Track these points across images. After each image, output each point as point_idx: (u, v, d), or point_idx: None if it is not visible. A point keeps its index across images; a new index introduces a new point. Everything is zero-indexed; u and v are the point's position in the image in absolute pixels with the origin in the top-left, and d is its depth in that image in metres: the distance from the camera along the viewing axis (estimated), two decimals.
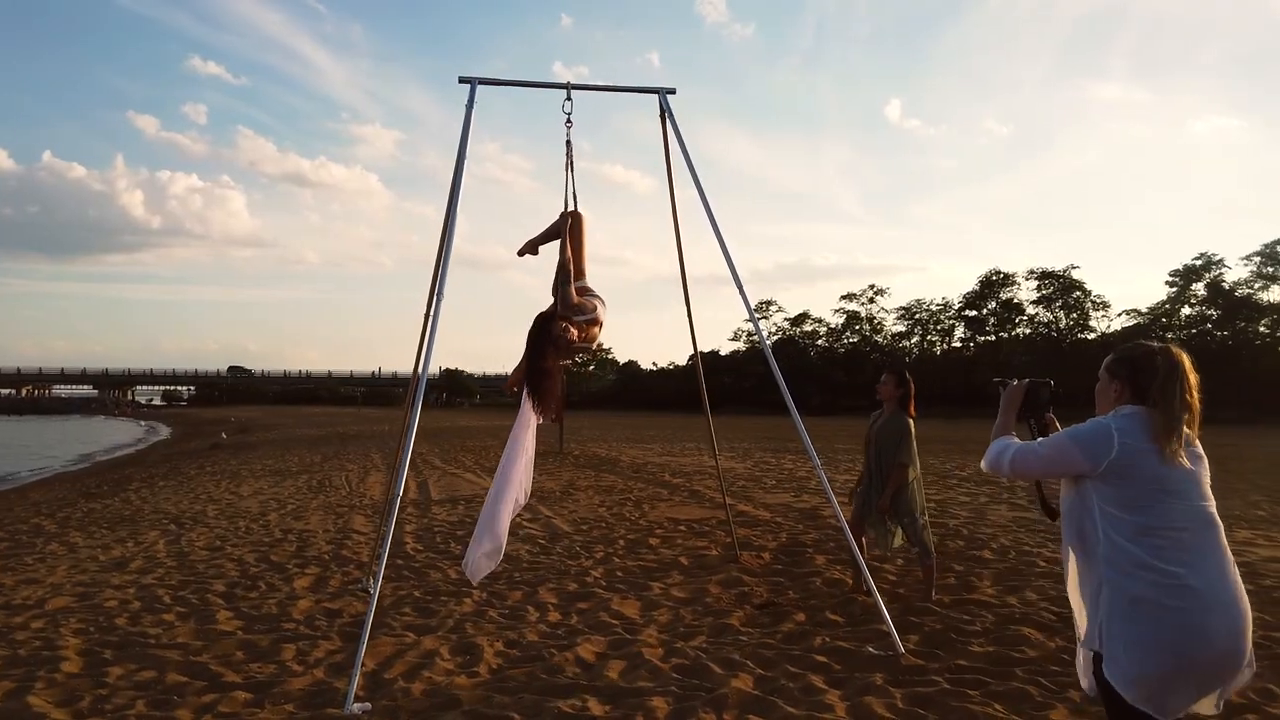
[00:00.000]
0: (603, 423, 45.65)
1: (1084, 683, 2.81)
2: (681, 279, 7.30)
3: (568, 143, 6.22)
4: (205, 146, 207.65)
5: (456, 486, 14.82)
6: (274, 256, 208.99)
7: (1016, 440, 2.90)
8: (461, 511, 11.77)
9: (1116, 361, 2.80)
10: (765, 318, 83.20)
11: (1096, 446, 2.61)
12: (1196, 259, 62.12)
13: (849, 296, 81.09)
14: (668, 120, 6.49)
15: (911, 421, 6.51)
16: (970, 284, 74.82)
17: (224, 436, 33.21)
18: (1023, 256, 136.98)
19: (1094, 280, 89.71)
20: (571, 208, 5.83)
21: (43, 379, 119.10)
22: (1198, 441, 2.69)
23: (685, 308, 7.64)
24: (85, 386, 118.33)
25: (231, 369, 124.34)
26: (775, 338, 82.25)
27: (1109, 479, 2.59)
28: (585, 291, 5.25)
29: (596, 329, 5.08)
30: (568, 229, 5.52)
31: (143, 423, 69.03)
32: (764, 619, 6.13)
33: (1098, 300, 68.55)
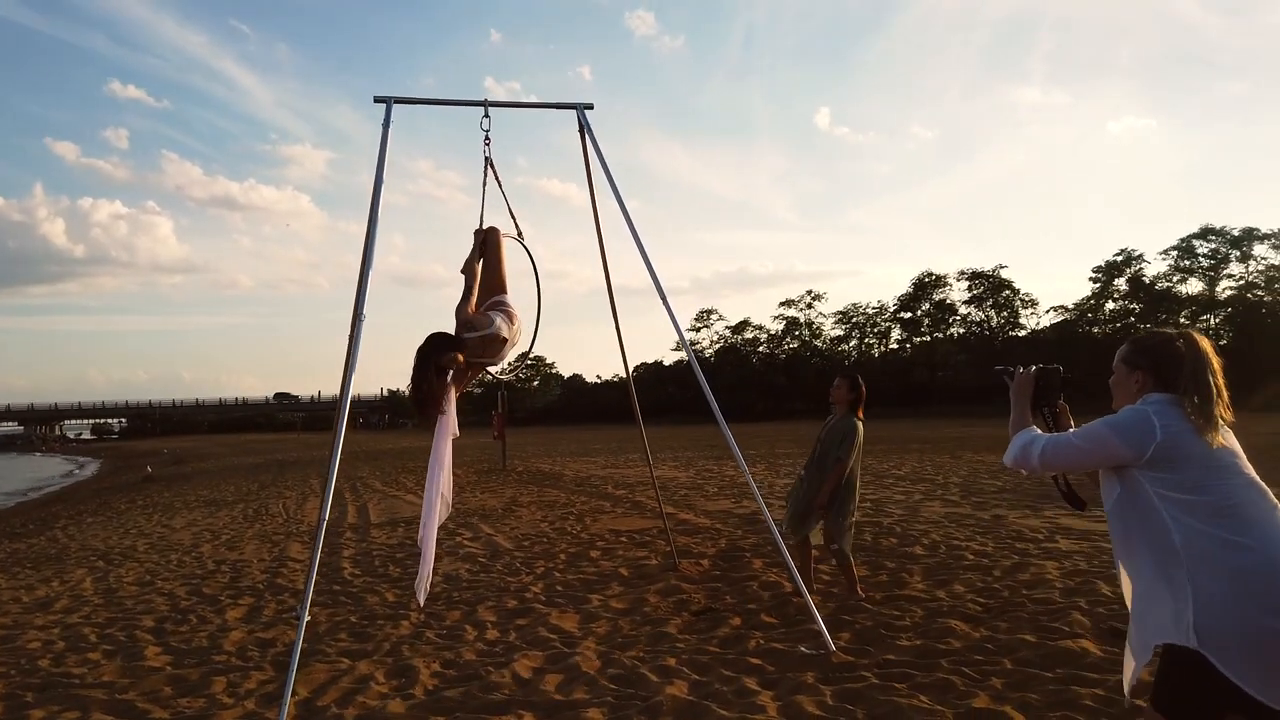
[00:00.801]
0: (548, 437, 45.45)
1: (1129, 684, 2.64)
2: (608, 291, 7.35)
3: (486, 159, 6.26)
4: (128, 172, 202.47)
5: (396, 509, 14.65)
6: (206, 282, 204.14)
7: (1040, 432, 2.81)
8: (400, 534, 11.65)
9: (1135, 352, 2.71)
10: (707, 326, 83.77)
11: (1138, 434, 2.52)
12: (1118, 255, 64.28)
13: (788, 303, 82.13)
14: (587, 135, 6.54)
15: (860, 424, 6.63)
16: (905, 287, 76.17)
17: (149, 470, 32.29)
18: (956, 258, 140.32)
19: (1022, 279, 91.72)
20: (489, 224, 5.85)
21: None
22: (1228, 414, 2.63)
23: (613, 321, 7.69)
24: (10, 423, 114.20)
25: (278, 395, 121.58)
26: (717, 346, 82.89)
27: (1159, 465, 2.49)
28: (498, 305, 5.26)
29: (498, 344, 5.09)
30: (477, 244, 5.56)
31: (72, 458, 66.90)
32: (701, 625, 6.19)
33: (1026, 298, 70.42)
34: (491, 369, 5.62)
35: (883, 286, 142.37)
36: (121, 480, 32.89)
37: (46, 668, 6.04)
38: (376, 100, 6.16)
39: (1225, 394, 2.60)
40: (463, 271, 5.83)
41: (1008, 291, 70.63)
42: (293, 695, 5.08)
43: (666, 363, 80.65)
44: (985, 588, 6.63)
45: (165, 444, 69.43)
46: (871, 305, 79.50)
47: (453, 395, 5.87)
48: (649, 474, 16.96)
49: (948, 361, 71.09)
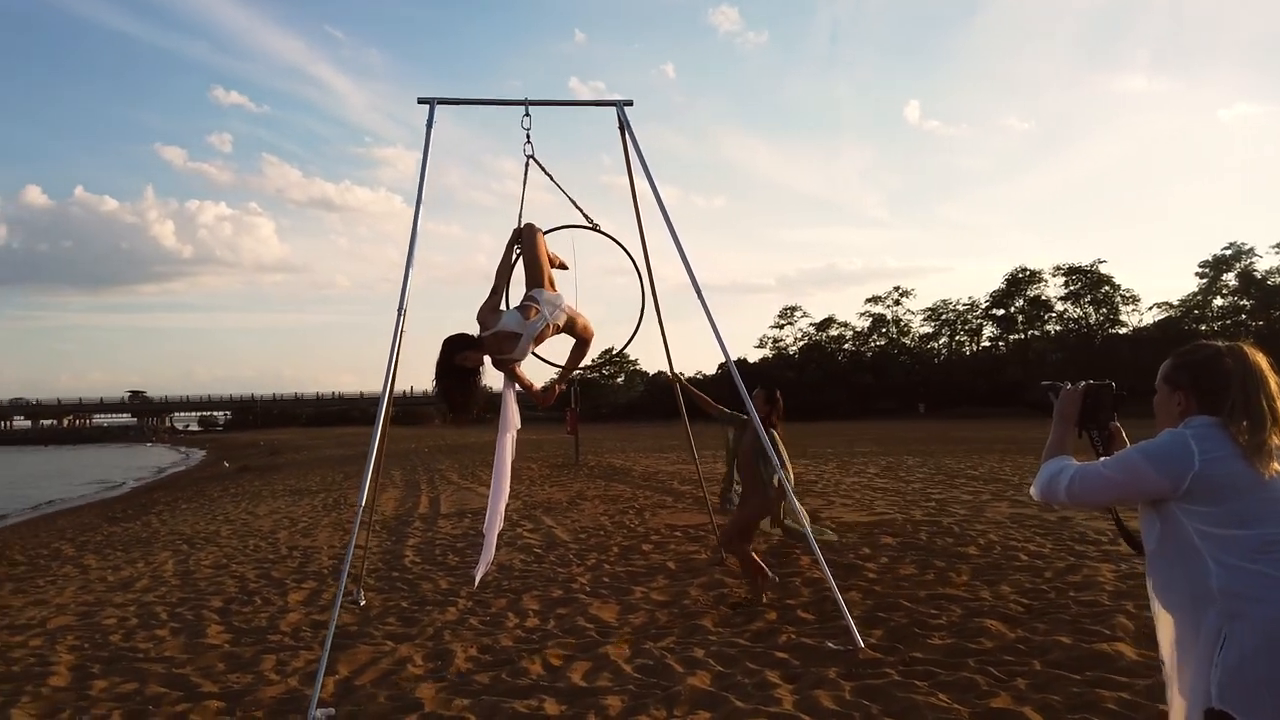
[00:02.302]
0: (626, 433, 45.69)
1: None
2: (649, 288, 7.34)
3: (529, 158, 6.39)
4: (232, 175, 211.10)
5: (466, 500, 14.99)
6: (305, 281, 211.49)
7: (1073, 461, 2.44)
8: (466, 525, 11.94)
9: (1176, 368, 2.39)
10: (790, 323, 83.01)
11: (1174, 462, 2.21)
12: (1226, 249, 61.44)
13: (874, 299, 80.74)
14: (627, 132, 6.61)
15: (776, 434, 6.59)
16: (999, 283, 74.09)
17: (225, 464, 33.70)
18: (1052, 253, 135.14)
19: (1123, 274, 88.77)
20: (529, 222, 5.98)
21: (82, 409, 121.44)
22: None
23: (656, 316, 7.72)
24: (124, 415, 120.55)
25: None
26: (801, 343, 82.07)
27: (1198, 498, 2.20)
28: (524, 300, 5.41)
29: (512, 340, 5.21)
30: (510, 244, 5.70)
31: (179, 448, 70.22)
32: (737, 619, 6.20)
33: (1127, 294, 67.83)
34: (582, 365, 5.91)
35: (977, 283, 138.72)
36: (219, 470, 34.38)
37: (117, 643, 6.41)
38: (420, 101, 6.37)
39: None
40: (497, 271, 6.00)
41: (1107, 287, 68.15)
42: (334, 675, 5.33)
43: (751, 359, 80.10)
44: (1032, 589, 6.47)
45: (264, 436, 72.24)
46: (962, 302, 77.61)
47: (511, 393, 6.08)
48: (713, 470, 16.95)
49: (1044, 360, 68.74)
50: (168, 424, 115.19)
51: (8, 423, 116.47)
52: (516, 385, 5.95)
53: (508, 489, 6.29)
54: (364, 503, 5.53)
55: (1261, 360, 2.30)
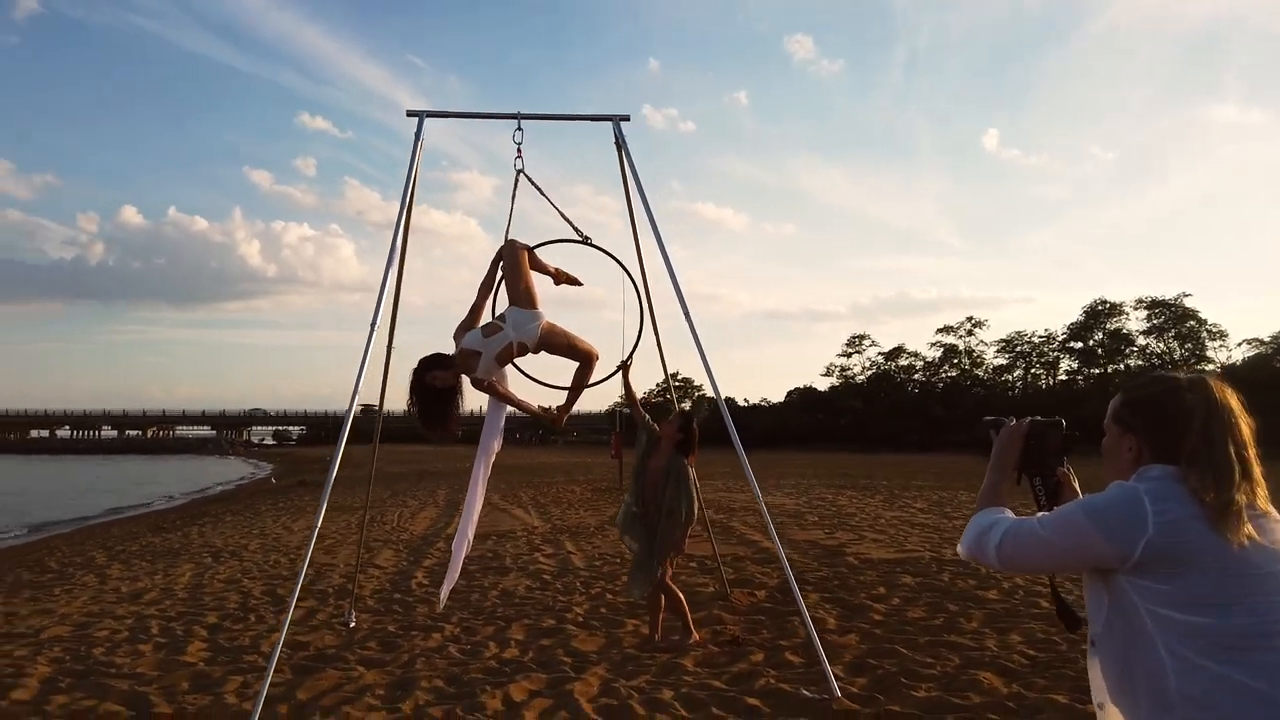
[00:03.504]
0: None
1: None
2: (650, 311, 7.07)
3: (518, 173, 6.23)
4: (315, 198, 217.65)
5: (498, 522, 14.85)
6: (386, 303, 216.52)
7: (1007, 514, 2.00)
8: (487, 547, 11.78)
9: (1126, 405, 1.96)
10: (859, 351, 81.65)
11: (1123, 524, 1.77)
12: None
13: (946, 329, 78.98)
14: (622, 149, 6.40)
15: (691, 470, 6.37)
16: (1078, 315, 71.87)
17: (273, 480, 34.38)
18: (1135, 285, 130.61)
19: (1210, 309, 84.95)
20: (514, 240, 5.82)
21: (166, 421, 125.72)
22: (1264, 503, 1.83)
23: (654, 331, 7.45)
24: (204, 427, 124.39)
25: None
26: (869, 372, 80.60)
27: (1151, 571, 1.75)
28: (496, 318, 5.33)
29: (475, 358, 5.12)
30: (493, 264, 5.58)
31: (250, 462, 72.00)
32: (721, 658, 5.88)
33: (1214, 329, 65.07)
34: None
35: (1059, 314, 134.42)
36: (280, 484, 35.02)
37: (97, 656, 6.37)
38: (410, 114, 6.25)
39: (1257, 468, 1.83)
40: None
41: (1192, 322, 65.47)
42: (290, 700, 5.18)
43: (820, 388, 79.00)
44: (1044, 639, 5.99)
45: (331, 451, 73.76)
46: (1038, 334, 75.41)
47: (496, 416, 5.97)
48: (751, 500, 16.58)
49: None
50: (244, 438, 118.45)
51: (95, 432, 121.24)
52: (508, 407, 5.81)
53: (479, 512, 6.27)
54: (317, 527, 5.35)
55: (1230, 398, 1.87)
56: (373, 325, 5.68)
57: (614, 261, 6.46)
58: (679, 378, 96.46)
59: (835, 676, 5.02)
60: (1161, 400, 1.89)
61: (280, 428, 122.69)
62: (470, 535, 6.14)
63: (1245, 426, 1.84)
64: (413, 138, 6.13)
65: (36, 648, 6.65)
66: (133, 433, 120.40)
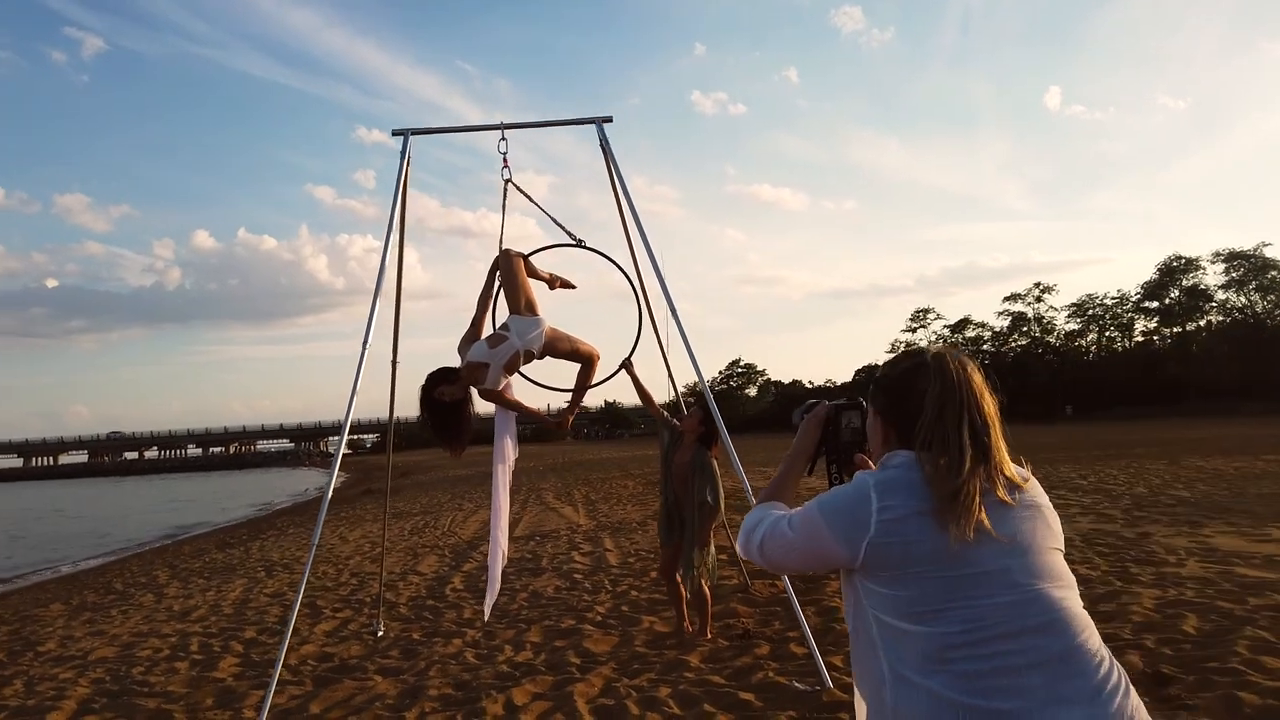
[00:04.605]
0: (744, 447, 45.11)
1: None
2: (648, 307, 7.09)
3: (506, 181, 6.30)
4: (377, 209, 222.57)
5: (545, 522, 15.03)
6: (447, 308, 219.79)
7: (777, 510, 1.86)
8: (530, 548, 11.92)
9: (875, 386, 1.85)
10: (923, 326, 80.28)
11: (850, 522, 1.65)
12: None
13: (1013, 297, 77.08)
14: (607, 150, 6.41)
15: (714, 461, 6.34)
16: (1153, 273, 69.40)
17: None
18: (1214, 238, 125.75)
19: None
20: (511, 249, 5.89)
21: (246, 436, 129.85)
22: (1030, 484, 1.71)
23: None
24: (283, 440, 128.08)
25: None
26: (935, 346, 79.02)
27: (875, 573, 1.63)
28: (499, 328, 5.38)
29: (482, 370, 5.16)
30: (490, 273, 5.66)
31: (325, 471, 73.92)
32: (727, 653, 5.89)
33: None
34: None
35: (1135, 274, 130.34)
36: (349, 493, 35.91)
37: (135, 675, 6.65)
38: (395, 133, 6.35)
39: (999, 452, 1.68)
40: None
41: (1274, 273, 62.72)
42: (305, 712, 5.35)
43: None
44: None
45: (403, 458, 75.21)
46: (1110, 295, 73.09)
47: (507, 426, 6.07)
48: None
49: (1211, 354, 63.60)
50: (320, 448, 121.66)
51: (182, 451, 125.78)
52: (515, 415, 5.91)
53: (506, 522, 6.32)
54: (316, 541, 5.47)
55: (973, 374, 1.72)
56: (364, 344, 5.80)
57: (610, 262, 6.53)
58: (741, 364, 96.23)
59: (840, 667, 5.00)
60: (900, 380, 1.77)
61: (355, 436, 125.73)
62: (503, 545, 6.21)
63: (988, 405, 1.70)
64: (397, 159, 6.23)
65: (82, 669, 6.97)
66: (216, 449, 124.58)
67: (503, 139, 6.34)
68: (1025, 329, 76.80)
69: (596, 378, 5.96)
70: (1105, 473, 16.70)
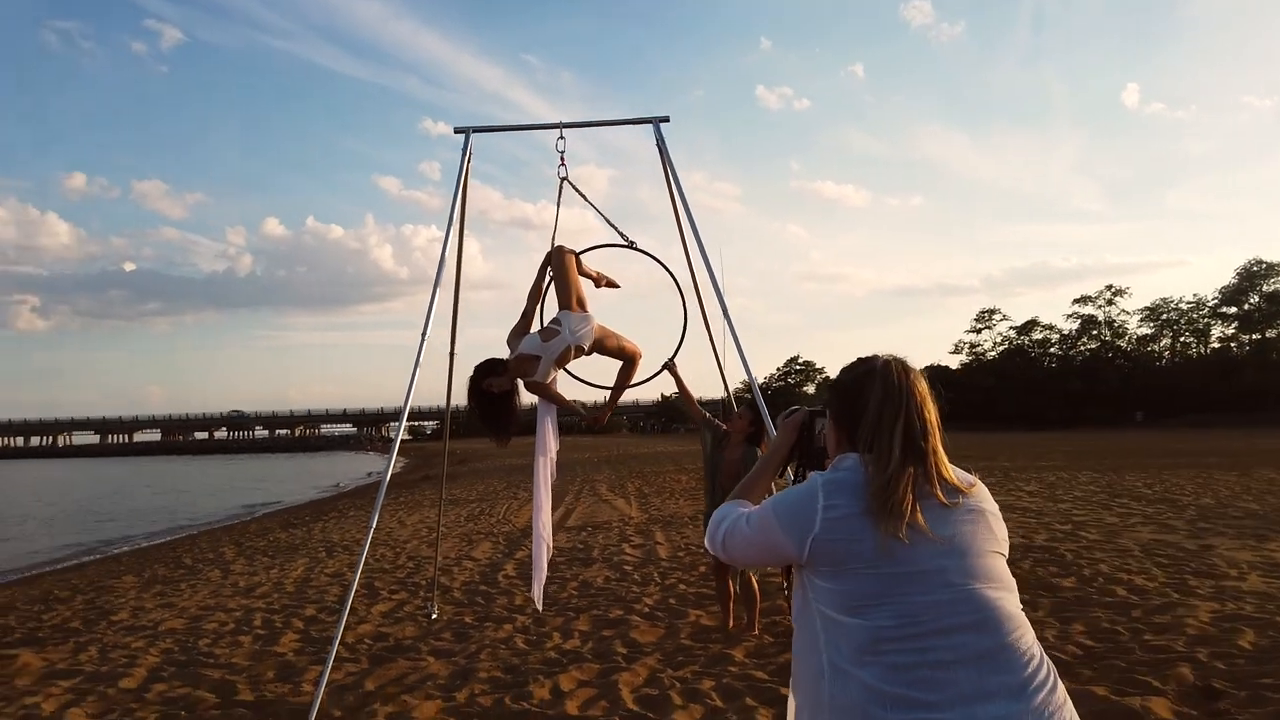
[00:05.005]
0: None
1: None
2: (701, 310, 7.14)
3: (563, 180, 6.41)
4: (441, 200, 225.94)
5: (598, 513, 15.19)
6: (509, 298, 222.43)
7: (746, 507, 1.97)
8: (581, 538, 12.09)
9: (830, 390, 1.98)
10: (989, 327, 78.84)
11: (798, 520, 1.76)
12: None
13: (1083, 300, 75.23)
14: (663, 149, 6.48)
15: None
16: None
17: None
18: None
19: None
20: (561, 246, 6.00)
21: (311, 420, 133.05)
22: (975, 489, 1.82)
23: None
24: (346, 425, 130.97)
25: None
26: (1001, 348, 77.58)
27: (819, 567, 1.74)
28: (550, 322, 5.46)
29: (532, 362, 5.26)
30: (541, 269, 5.77)
31: (385, 456, 75.44)
32: (772, 649, 5.94)
33: None
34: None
35: (1215, 277, 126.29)
36: (410, 478, 36.58)
37: (202, 647, 6.94)
38: (457, 131, 6.50)
39: (937, 455, 1.78)
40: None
41: None
42: (360, 689, 5.54)
43: (953, 366, 76.50)
44: (1108, 629, 5.79)
45: (462, 445, 76.32)
46: (1186, 300, 70.93)
47: (548, 418, 6.19)
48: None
49: None
50: (381, 433, 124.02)
51: (250, 432, 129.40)
52: (556, 408, 6.03)
53: (548, 513, 6.41)
54: (373, 524, 5.64)
55: (917, 380, 1.84)
56: (423, 334, 5.97)
57: (659, 265, 6.59)
58: (799, 361, 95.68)
59: None
60: (851, 385, 1.87)
61: (415, 423, 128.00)
62: (546, 536, 6.26)
63: (930, 412, 1.80)
64: (459, 155, 6.38)
65: (152, 639, 7.29)
66: (282, 432, 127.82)
67: (561, 137, 6.44)
68: (1095, 332, 74.97)
69: (637, 377, 6.05)
70: (1172, 482, 16.29)
